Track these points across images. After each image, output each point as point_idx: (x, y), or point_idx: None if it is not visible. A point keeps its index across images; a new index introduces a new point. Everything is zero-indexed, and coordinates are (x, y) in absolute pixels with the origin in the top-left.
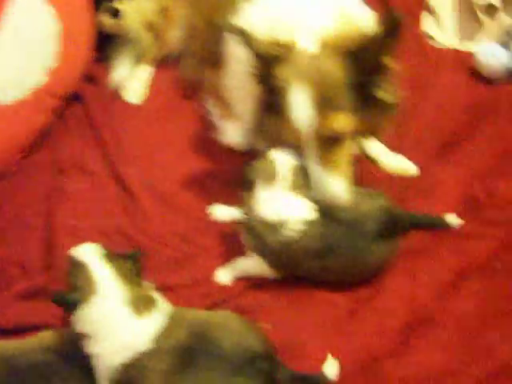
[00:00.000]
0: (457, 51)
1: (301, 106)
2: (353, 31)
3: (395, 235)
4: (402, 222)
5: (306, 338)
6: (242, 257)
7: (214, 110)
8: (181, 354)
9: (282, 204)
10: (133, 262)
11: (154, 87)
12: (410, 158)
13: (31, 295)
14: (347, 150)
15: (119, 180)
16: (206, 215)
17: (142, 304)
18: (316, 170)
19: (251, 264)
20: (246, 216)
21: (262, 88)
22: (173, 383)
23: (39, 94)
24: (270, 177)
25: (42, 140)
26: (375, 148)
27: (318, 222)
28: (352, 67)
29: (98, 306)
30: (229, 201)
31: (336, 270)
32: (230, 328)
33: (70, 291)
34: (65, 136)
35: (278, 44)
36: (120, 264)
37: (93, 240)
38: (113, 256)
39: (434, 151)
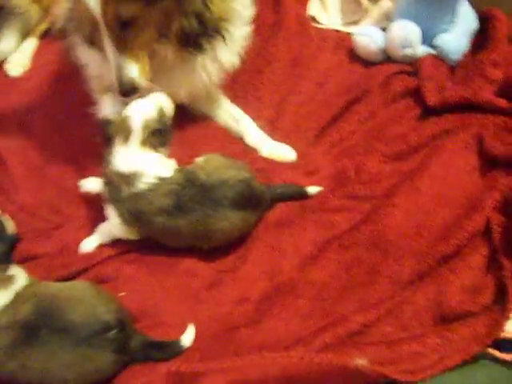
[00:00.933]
0: (338, 33)
1: None
2: None
3: (252, 207)
4: (259, 195)
5: (165, 307)
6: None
7: (92, 83)
8: (25, 329)
9: (137, 158)
10: (2, 246)
11: (37, 60)
12: (287, 136)
13: None
14: (143, 39)
15: None
16: (76, 186)
17: None
18: (111, 52)
19: (109, 224)
20: (105, 171)
21: None
22: (17, 357)
23: None
24: (126, 132)
25: None
26: (254, 136)
27: (174, 180)
28: None
29: None
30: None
31: (187, 231)
32: (80, 300)
33: None
34: None
35: None
36: None
37: None
38: None
39: (311, 130)
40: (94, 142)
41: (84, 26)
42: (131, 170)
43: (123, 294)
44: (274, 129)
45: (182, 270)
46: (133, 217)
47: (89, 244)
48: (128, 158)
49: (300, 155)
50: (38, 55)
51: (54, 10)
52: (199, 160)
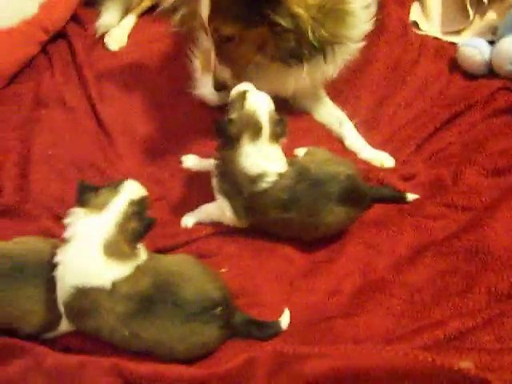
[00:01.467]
0: (439, 41)
1: (204, 5)
2: None
3: (355, 204)
4: (363, 193)
5: (263, 289)
6: (209, 203)
7: (195, 63)
8: (142, 301)
9: (266, 155)
10: (140, 226)
11: (136, 36)
12: (384, 140)
13: (1, 213)
14: (240, 53)
15: (97, 118)
16: (177, 162)
17: (117, 252)
18: (213, 55)
19: (217, 211)
20: (221, 165)
21: None
22: (131, 326)
23: (29, 26)
24: (255, 128)
25: (24, 71)
26: (354, 141)
27: (288, 175)
28: None
29: (88, 226)
30: (199, 151)
31: (296, 223)
32: (191, 276)
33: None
34: (47, 70)
35: None
36: (127, 218)
37: (67, 171)
38: (131, 206)
39: (409, 136)
40: (195, 120)
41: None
42: (259, 171)
43: (224, 270)
44: (370, 129)
45: (280, 255)
46: (248, 211)
47: (189, 220)
48: (258, 158)
49: (397, 159)
50: (136, 32)
51: None
52: (301, 152)
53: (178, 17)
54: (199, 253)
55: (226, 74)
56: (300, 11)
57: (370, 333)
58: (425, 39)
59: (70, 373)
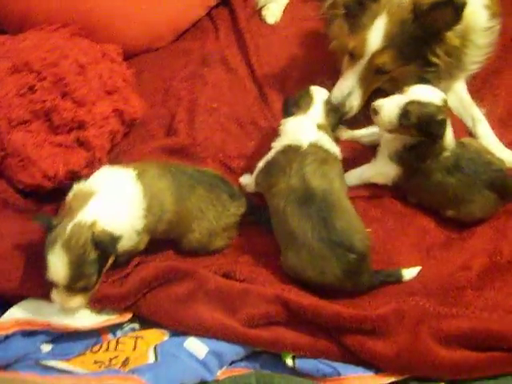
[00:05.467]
0: None
1: (375, 30)
2: None
3: (502, 194)
4: (510, 187)
5: (401, 251)
6: (362, 166)
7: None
8: (305, 189)
9: None
10: (334, 118)
11: (289, 13)
12: None
13: (171, 151)
14: (383, 84)
15: (256, 81)
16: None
17: (323, 128)
18: (350, 78)
19: (372, 171)
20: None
21: None
22: (290, 201)
23: None
24: None
25: (190, 30)
26: (488, 141)
27: (457, 145)
28: (418, 24)
29: (303, 119)
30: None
31: (451, 193)
32: (351, 216)
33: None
34: (211, 33)
35: None
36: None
37: (229, 125)
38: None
39: None
40: None
41: None
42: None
43: (369, 230)
44: (504, 126)
45: (419, 224)
46: (416, 174)
47: None
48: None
49: None
50: (289, 10)
51: None
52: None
53: (327, 3)
54: None
55: (357, 101)
56: (441, 58)
57: (496, 305)
58: None
59: (233, 295)
